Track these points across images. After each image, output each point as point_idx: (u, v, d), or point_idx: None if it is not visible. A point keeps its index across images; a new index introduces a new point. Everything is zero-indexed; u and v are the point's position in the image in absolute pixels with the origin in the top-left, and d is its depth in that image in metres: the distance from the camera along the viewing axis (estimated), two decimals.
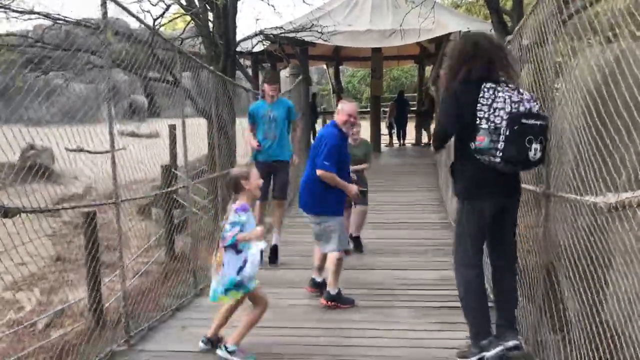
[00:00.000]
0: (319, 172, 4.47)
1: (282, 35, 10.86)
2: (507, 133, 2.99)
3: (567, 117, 3.50)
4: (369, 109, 25.07)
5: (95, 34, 8.24)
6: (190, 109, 5.67)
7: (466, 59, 3.23)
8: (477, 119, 3.08)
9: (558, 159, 3.38)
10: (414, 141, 16.42)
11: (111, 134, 3.58)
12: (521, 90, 3.17)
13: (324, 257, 4.84)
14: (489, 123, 3.04)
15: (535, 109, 3.10)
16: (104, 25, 3.46)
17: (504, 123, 3.00)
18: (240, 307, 3.72)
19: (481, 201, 3.24)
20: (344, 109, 4.59)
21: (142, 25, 4.78)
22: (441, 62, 12.42)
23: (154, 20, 8.60)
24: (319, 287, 4.90)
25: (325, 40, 11.03)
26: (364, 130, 7.57)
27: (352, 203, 5.99)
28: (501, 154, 3.01)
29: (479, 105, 3.08)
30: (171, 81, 8.84)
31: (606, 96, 2.76)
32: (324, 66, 19.15)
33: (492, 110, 3.05)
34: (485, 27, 10.96)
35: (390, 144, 16.45)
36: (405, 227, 7.65)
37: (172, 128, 10.76)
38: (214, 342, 3.66)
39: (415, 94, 18.92)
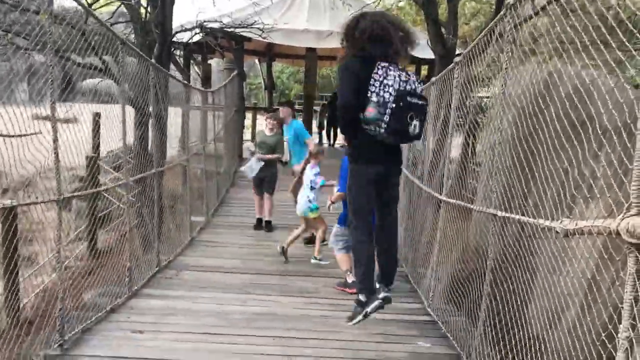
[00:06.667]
0: None
1: (222, 29, 10.65)
2: (393, 107, 3.37)
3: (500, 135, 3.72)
4: (298, 106, 25.03)
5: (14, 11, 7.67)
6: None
7: (364, 37, 3.55)
8: (369, 92, 3.43)
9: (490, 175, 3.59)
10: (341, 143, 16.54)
11: (53, 120, 3.33)
12: (409, 72, 3.56)
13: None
14: (378, 97, 3.40)
15: (419, 89, 3.54)
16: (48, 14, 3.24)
17: (391, 99, 3.38)
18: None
19: (367, 165, 3.62)
20: None
21: (76, 7, 4.53)
22: None
23: (89, 4, 8.15)
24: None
25: (264, 38, 10.92)
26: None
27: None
28: (386, 125, 3.39)
29: (372, 80, 3.44)
30: (100, 67, 8.41)
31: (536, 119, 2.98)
32: (256, 60, 18.93)
33: (382, 86, 3.41)
34: (422, 35, 11.29)
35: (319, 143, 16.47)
36: None
37: (97, 116, 10.24)
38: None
39: None
